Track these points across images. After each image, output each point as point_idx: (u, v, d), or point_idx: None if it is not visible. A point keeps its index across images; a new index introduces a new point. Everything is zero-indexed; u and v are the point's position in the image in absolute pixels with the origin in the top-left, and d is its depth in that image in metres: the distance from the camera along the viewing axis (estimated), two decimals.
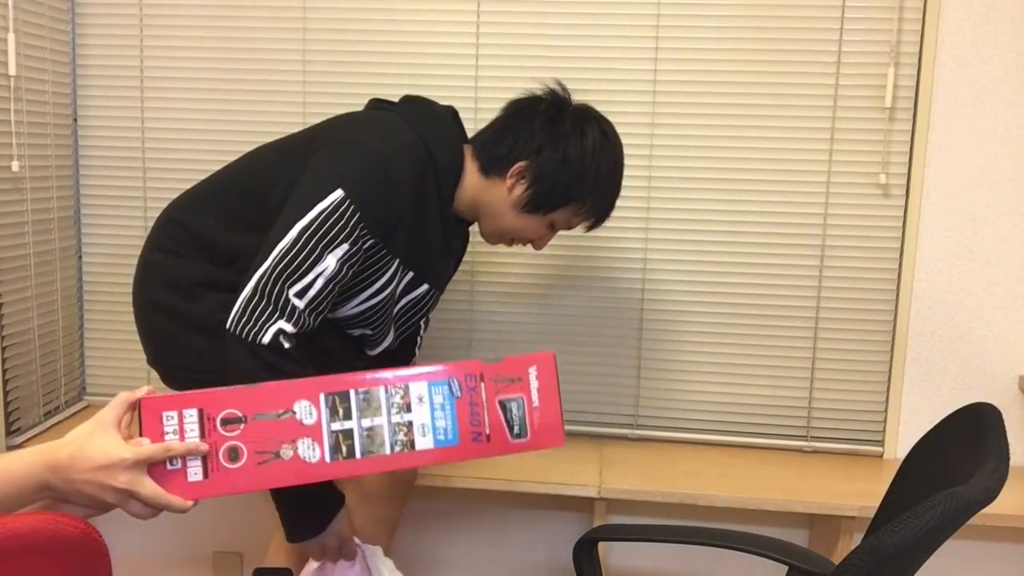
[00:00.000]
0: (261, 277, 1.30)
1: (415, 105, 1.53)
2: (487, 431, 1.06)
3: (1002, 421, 1.19)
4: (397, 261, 1.43)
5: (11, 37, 1.87)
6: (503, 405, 1.07)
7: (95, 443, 0.91)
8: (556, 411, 1.09)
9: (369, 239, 1.36)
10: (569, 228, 1.56)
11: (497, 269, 2.08)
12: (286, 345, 1.30)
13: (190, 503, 0.95)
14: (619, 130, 2.01)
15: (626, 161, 2.01)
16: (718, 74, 1.98)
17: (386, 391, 1.02)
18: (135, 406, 0.96)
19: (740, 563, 2.12)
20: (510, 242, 1.57)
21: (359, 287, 1.42)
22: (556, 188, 1.46)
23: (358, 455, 1.01)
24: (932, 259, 1.99)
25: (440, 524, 2.20)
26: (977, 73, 1.92)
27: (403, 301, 1.52)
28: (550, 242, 1.59)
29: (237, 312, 1.29)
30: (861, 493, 1.82)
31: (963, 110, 1.93)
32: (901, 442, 2.03)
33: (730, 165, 2.00)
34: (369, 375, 1.02)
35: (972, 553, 2.07)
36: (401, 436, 1.02)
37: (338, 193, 1.32)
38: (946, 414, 1.32)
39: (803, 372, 2.05)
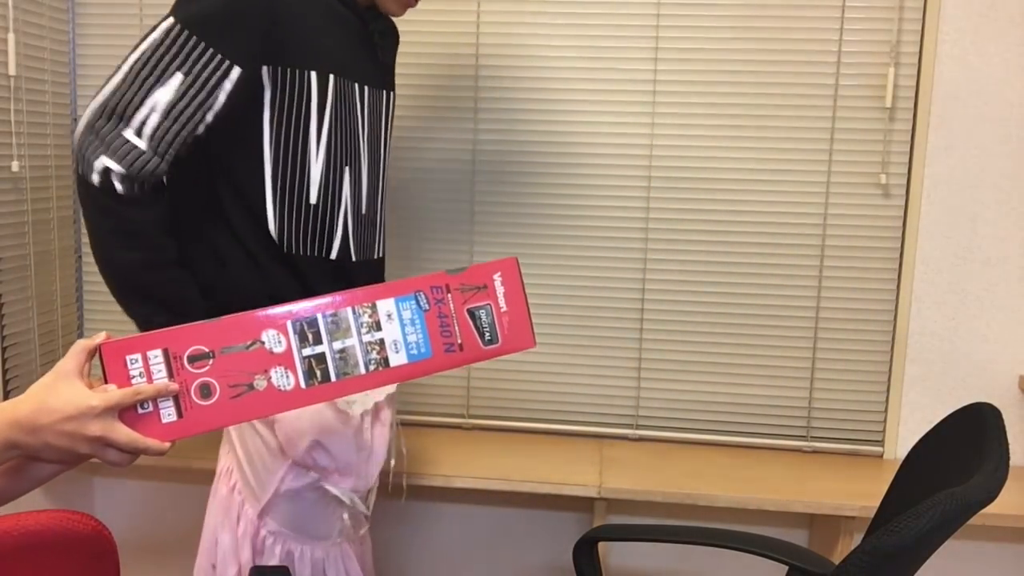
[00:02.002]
0: (93, 115, 1.21)
1: None
2: (459, 341, 1.06)
3: (1002, 421, 1.19)
4: (315, 73, 1.29)
5: (11, 37, 1.87)
6: (472, 313, 1.07)
7: (60, 394, 0.88)
8: (524, 314, 1.10)
9: (234, 67, 1.22)
10: None
11: None
12: (118, 187, 1.19)
13: (167, 445, 0.93)
14: (619, 130, 2.03)
15: (626, 161, 2.03)
16: (718, 74, 1.98)
17: (354, 312, 1.02)
18: (95, 352, 0.93)
19: (740, 563, 2.12)
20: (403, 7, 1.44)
21: (299, 126, 1.30)
22: None
23: (333, 378, 1.00)
24: (932, 259, 1.99)
25: (440, 524, 2.20)
26: (977, 73, 1.92)
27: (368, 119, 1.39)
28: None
29: (73, 151, 1.21)
30: (861, 493, 1.82)
31: (963, 110, 1.94)
32: (901, 442, 2.03)
33: (730, 165, 2.00)
34: (334, 297, 1.02)
35: (972, 553, 2.07)
36: (374, 355, 1.02)
37: (167, 22, 1.22)
38: (946, 414, 1.33)
39: (803, 372, 2.05)
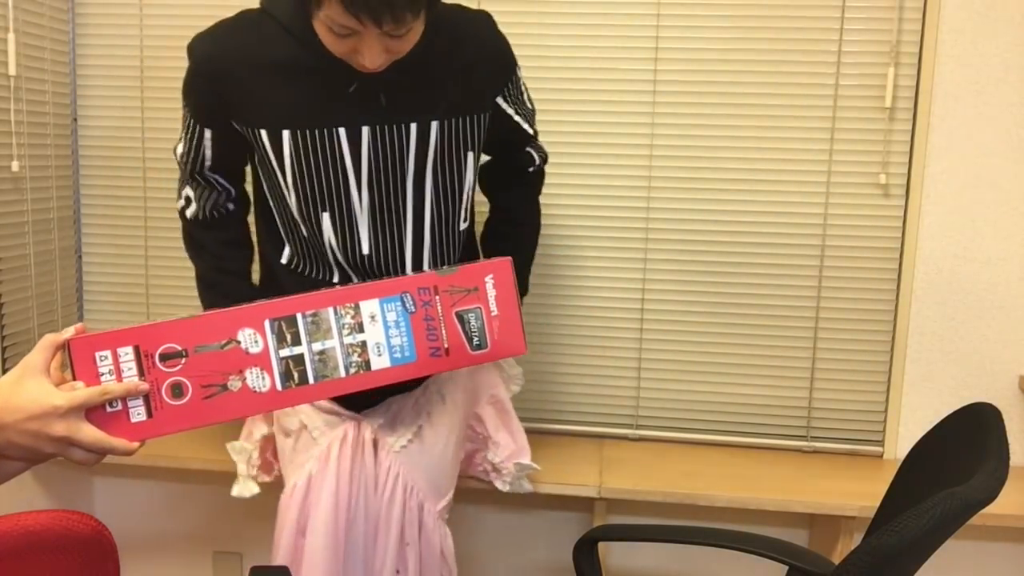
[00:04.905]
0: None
1: None
2: (445, 345, 1.03)
3: (1002, 421, 1.19)
4: (265, 131, 1.31)
5: (11, 37, 1.87)
6: (460, 317, 1.04)
7: (24, 391, 0.85)
8: (516, 318, 1.06)
9: (205, 129, 1.41)
10: (346, 32, 1.17)
11: None
12: (188, 213, 1.47)
13: (135, 445, 0.90)
14: (619, 130, 2.03)
15: (626, 161, 2.03)
16: (718, 74, 1.98)
17: (335, 312, 0.99)
18: (63, 347, 0.90)
19: (740, 563, 2.12)
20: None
21: (271, 175, 1.37)
22: None
23: (311, 381, 0.98)
24: (932, 259, 1.99)
25: None
26: (977, 73, 1.92)
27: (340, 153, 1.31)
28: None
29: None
30: (861, 493, 1.82)
31: (963, 110, 1.93)
32: (901, 442, 2.03)
33: (730, 165, 2.00)
34: (316, 296, 0.98)
35: (972, 553, 2.07)
36: (355, 357, 0.99)
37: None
38: (946, 414, 1.32)
39: (803, 372, 2.05)
